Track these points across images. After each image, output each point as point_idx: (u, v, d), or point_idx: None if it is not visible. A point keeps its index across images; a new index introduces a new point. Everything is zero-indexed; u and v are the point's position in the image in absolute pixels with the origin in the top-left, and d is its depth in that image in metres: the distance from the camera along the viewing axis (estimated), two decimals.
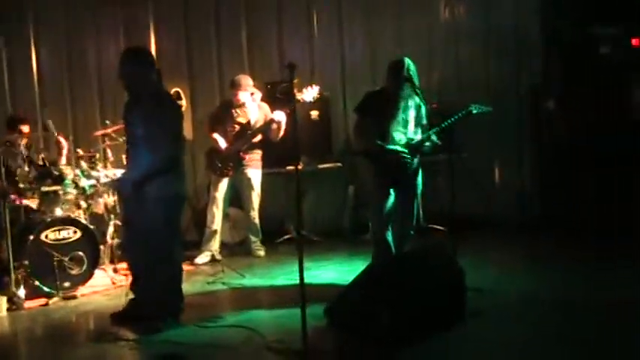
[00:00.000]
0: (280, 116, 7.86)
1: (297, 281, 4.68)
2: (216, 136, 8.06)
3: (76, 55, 9.94)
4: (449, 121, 6.19)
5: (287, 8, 9.73)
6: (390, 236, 6.31)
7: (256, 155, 8.23)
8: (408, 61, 6.18)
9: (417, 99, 6.27)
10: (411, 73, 6.15)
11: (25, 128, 7.79)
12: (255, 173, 8.22)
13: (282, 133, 8.03)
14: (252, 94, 8.15)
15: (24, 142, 7.55)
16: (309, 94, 7.72)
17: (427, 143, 6.26)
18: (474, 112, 6.21)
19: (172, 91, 7.40)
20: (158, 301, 5.61)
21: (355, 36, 9.68)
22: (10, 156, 7.15)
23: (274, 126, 7.99)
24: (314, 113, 8.68)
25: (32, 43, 9.86)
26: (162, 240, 5.59)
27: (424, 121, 6.37)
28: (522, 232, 8.59)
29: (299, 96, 7.61)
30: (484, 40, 9.19)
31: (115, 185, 6.78)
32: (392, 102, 6.24)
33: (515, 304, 5.76)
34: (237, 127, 8.09)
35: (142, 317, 5.58)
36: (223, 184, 8.13)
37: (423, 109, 6.36)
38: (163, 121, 5.50)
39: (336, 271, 7.29)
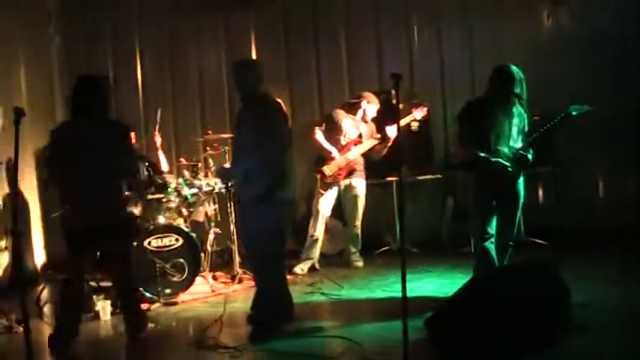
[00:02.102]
0: (393, 133, 7.86)
1: (396, 293, 4.65)
2: (327, 144, 8.08)
3: (177, 64, 10.11)
4: (549, 124, 6.02)
5: (386, 18, 9.68)
6: (492, 249, 6.17)
7: (361, 165, 8.25)
8: (514, 68, 6.05)
9: (520, 108, 6.13)
10: (517, 80, 6.02)
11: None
12: (360, 183, 8.24)
13: (385, 151, 8.08)
14: (364, 111, 8.23)
15: None
16: (419, 113, 8.17)
17: (529, 155, 6.08)
18: (574, 113, 5.98)
19: None
20: (263, 309, 5.75)
21: (455, 46, 9.56)
22: None
23: (378, 145, 8.09)
24: (414, 124, 8.60)
25: (137, 54, 10.08)
26: (267, 245, 5.70)
27: (527, 130, 6.21)
28: (626, 247, 8.28)
29: (408, 117, 8.11)
30: (587, 50, 8.93)
31: (221, 174, 6.96)
32: (495, 110, 6.10)
33: (621, 320, 5.53)
34: (345, 137, 8.13)
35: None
36: (330, 193, 8.14)
37: (526, 118, 6.20)
38: (275, 133, 5.67)
39: (436, 283, 7.16)
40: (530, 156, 6.08)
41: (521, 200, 6.27)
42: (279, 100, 6.03)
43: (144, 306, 6.68)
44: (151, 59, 10.14)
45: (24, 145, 8.09)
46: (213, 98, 9.96)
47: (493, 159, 5.99)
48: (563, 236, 8.43)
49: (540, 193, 9.15)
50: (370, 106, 8.20)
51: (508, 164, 6.01)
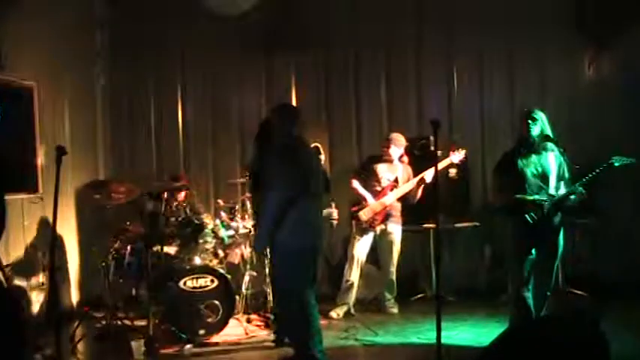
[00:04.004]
0: (430, 177, 7.82)
1: (431, 340, 4.59)
2: (362, 190, 8.09)
3: (219, 106, 10.14)
4: (591, 174, 6.01)
5: (427, 63, 9.67)
6: (530, 298, 6.10)
7: (397, 211, 8.22)
8: (536, 112, 6.06)
9: (556, 152, 6.10)
10: (541, 124, 6.03)
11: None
12: (396, 228, 8.21)
13: (420, 194, 8.03)
14: (401, 155, 8.23)
15: (183, 194, 7.95)
16: (457, 157, 8.06)
17: (572, 196, 6.04)
18: (616, 164, 6.01)
19: (312, 146, 7.48)
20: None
21: (495, 92, 9.49)
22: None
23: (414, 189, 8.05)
24: (452, 171, 8.56)
25: (179, 96, 10.16)
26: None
27: (567, 175, 6.17)
28: None
29: (446, 160, 8.00)
30: (630, 99, 8.84)
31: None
32: (525, 157, 6.11)
33: None
34: (380, 183, 8.11)
35: None
36: (365, 238, 8.12)
37: (563, 162, 6.17)
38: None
39: (471, 332, 7.07)
40: (572, 200, 6.04)
41: (560, 250, 6.21)
42: (318, 145, 6.03)
43: (176, 347, 6.70)
44: (193, 100, 10.19)
45: (65, 182, 8.26)
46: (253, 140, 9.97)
47: (530, 197, 5.98)
48: (602, 287, 8.28)
49: (579, 243, 9.01)
50: (393, 148, 8.16)
51: (545, 199, 5.99)
